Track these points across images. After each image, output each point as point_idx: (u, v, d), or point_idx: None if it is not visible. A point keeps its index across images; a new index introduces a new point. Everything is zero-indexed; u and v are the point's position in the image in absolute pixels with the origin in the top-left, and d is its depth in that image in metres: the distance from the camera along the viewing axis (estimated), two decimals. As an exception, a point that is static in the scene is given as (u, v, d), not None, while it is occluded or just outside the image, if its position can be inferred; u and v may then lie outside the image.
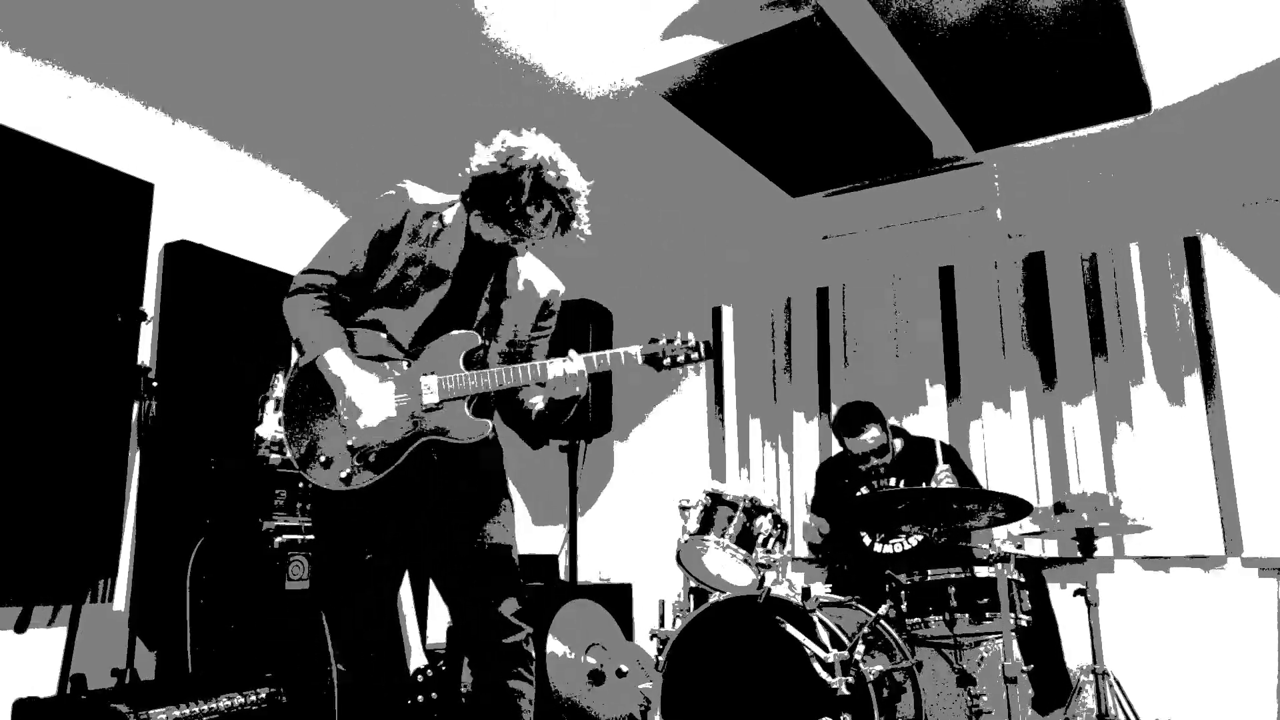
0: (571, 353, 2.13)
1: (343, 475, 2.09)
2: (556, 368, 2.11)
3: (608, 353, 2.16)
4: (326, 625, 2.28)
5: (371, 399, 2.10)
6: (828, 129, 4.01)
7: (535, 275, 2.37)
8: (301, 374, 2.18)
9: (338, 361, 2.11)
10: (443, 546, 2.19)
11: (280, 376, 3.34)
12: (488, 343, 2.26)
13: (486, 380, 2.13)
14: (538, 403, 2.30)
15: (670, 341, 2.18)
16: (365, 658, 2.20)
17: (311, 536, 3.11)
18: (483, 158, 2.10)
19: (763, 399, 5.24)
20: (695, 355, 2.19)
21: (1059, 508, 3.30)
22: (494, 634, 2.16)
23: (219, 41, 3.56)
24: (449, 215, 2.21)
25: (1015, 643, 2.75)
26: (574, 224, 2.15)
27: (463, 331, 2.19)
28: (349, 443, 2.09)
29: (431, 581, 2.32)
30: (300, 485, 3.17)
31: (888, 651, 2.97)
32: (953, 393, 4.73)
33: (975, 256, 4.77)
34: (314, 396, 2.15)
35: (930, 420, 4.70)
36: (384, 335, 2.18)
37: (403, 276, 2.17)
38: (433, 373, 2.14)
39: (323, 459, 2.11)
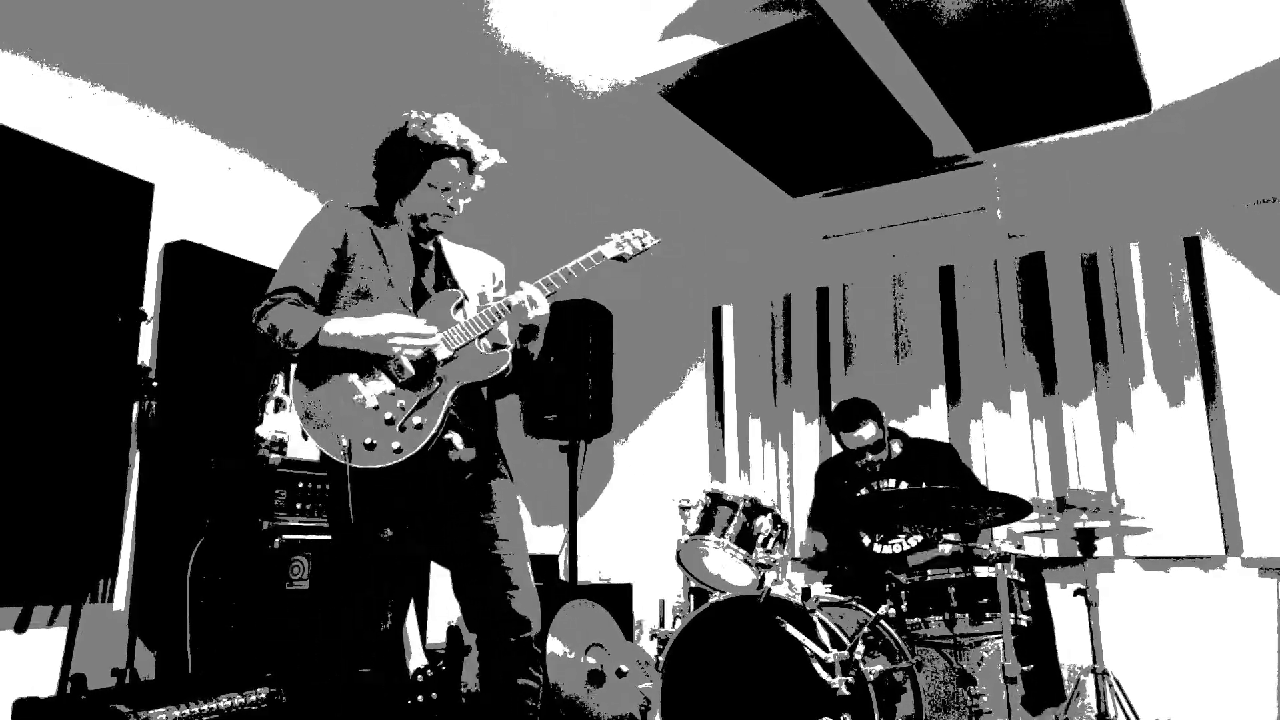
0: (522, 283, 2.27)
1: (395, 447, 2.08)
2: (515, 296, 2.23)
3: (558, 270, 2.28)
4: (333, 622, 2.27)
5: (390, 320, 2.14)
6: (827, 129, 4.01)
7: (473, 259, 2.50)
8: (303, 372, 2.16)
9: (338, 322, 2.13)
10: (462, 534, 2.22)
11: (280, 376, 3.34)
12: (470, 299, 2.36)
13: (479, 323, 2.22)
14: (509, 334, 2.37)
15: (624, 235, 2.39)
16: (368, 656, 2.24)
17: (313, 537, 3.11)
18: (380, 145, 2.33)
19: (762, 399, 5.24)
20: (646, 241, 2.42)
21: (1060, 503, 3.30)
22: (504, 630, 2.19)
23: (219, 41, 3.56)
24: (388, 221, 2.35)
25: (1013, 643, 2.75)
26: (476, 160, 2.31)
27: (447, 290, 2.31)
28: (403, 358, 2.12)
29: (450, 573, 2.32)
30: (300, 485, 3.17)
31: (888, 651, 2.97)
32: (953, 394, 4.73)
33: (975, 256, 4.77)
34: (327, 395, 2.14)
35: (931, 422, 4.70)
36: (374, 305, 2.22)
37: (365, 276, 2.25)
38: (435, 330, 2.19)
39: (366, 442, 2.09)
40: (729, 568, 3.25)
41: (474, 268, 2.47)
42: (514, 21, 3.43)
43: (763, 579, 3.03)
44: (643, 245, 2.41)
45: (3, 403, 2.85)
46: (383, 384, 2.15)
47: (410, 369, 2.15)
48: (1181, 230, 4.31)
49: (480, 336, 2.23)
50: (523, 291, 2.25)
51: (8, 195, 2.94)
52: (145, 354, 3.36)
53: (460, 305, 2.29)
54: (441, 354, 2.18)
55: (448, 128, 2.28)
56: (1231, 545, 3.98)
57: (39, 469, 2.92)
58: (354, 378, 2.15)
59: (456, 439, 2.20)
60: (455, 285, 2.36)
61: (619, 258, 2.38)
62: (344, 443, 2.07)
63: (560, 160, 4.48)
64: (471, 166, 2.33)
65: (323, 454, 2.14)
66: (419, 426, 2.11)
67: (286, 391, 3.34)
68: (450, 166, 2.28)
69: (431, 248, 2.40)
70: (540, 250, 2.37)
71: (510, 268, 2.57)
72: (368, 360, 2.15)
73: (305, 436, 2.15)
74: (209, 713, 2.53)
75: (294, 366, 2.18)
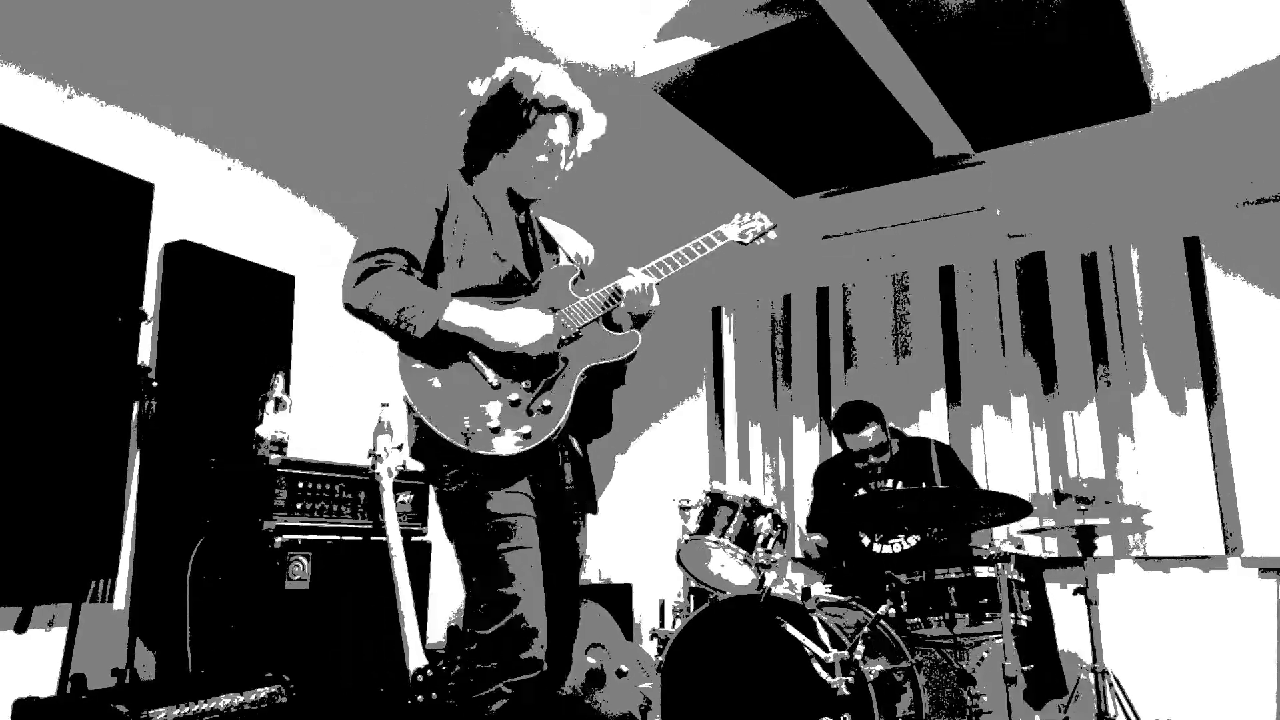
0: (630, 268, 2.10)
1: (524, 431, 1.88)
2: (628, 282, 2.07)
3: (671, 254, 2.14)
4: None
5: (520, 321, 1.94)
6: (827, 129, 4.00)
7: (567, 235, 2.32)
8: (418, 349, 1.92)
9: (463, 311, 1.92)
10: (558, 549, 2.00)
11: (280, 376, 3.33)
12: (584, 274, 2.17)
13: (596, 303, 2.05)
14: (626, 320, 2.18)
15: (743, 217, 2.30)
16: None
17: (313, 537, 3.11)
18: (476, 101, 2.10)
19: (762, 399, 5.24)
20: (766, 224, 2.33)
21: (1058, 496, 3.31)
22: (560, 676, 2.04)
23: (219, 41, 3.56)
24: (478, 180, 2.14)
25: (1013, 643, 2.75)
26: (582, 122, 2.13)
27: (563, 265, 2.13)
28: (497, 383, 1.89)
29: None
30: (300, 485, 3.16)
31: (888, 651, 2.97)
32: (953, 395, 4.73)
33: (975, 256, 4.77)
34: (442, 373, 1.92)
35: (931, 426, 4.70)
36: (484, 298, 1.99)
37: (470, 241, 2.03)
38: (554, 308, 2.03)
39: (491, 425, 1.86)
40: (729, 568, 3.25)
41: (570, 245, 2.28)
42: (513, 22, 3.43)
43: (763, 579, 3.03)
44: (762, 228, 2.31)
45: (3, 403, 2.85)
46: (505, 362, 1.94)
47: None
48: (1181, 230, 4.31)
49: (601, 317, 2.06)
50: (635, 278, 2.07)
51: (8, 195, 2.93)
52: (145, 354, 3.36)
53: (578, 280, 2.11)
54: (566, 333, 2.00)
55: (560, 83, 2.08)
56: (1231, 545, 3.99)
57: (39, 469, 2.91)
58: (475, 356, 1.93)
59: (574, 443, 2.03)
60: (565, 258, 2.17)
61: (740, 241, 2.26)
62: (466, 425, 1.85)
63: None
64: (576, 129, 2.13)
65: (423, 439, 1.91)
66: (547, 410, 1.92)
67: (286, 391, 3.34)
68: (558, 124, 2.08)
69: (524, 219, 2.18)
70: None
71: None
72: None
73: (411, 414, 1.92)
74: (209, 713, 2.53)
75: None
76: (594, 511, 2.17)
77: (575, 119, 2.12)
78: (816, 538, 3.95)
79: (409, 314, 1.88)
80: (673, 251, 2.14)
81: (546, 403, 1.93)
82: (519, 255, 2.07)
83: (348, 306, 1.94)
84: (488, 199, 2.10)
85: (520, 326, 1.93)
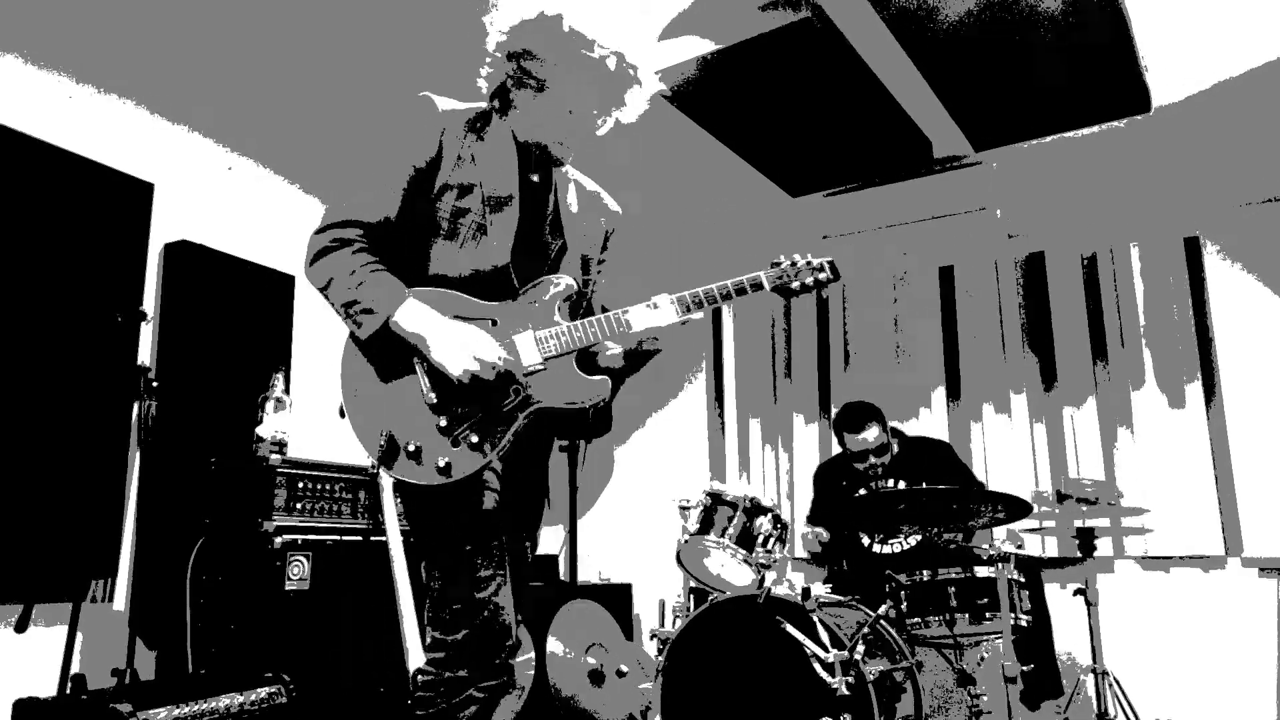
0: (658, 299, 1.81)
1: (440, 464, 1.68)
2: (640, 320, 1.80)
3: (713, 287, 1.84)
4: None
5: (465, 342, 1.69)
6: (828, 129, 4.01)
7: (592, 195, 2.02)
8: (364, 347, 1.74)
9: (415, 314, 1.70)
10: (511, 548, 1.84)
11: (280, 376, 3.33)
12: (587, 289, 1.94)
13: (587, 332, 1.79)
14: (614, 349, 1.92)
15: (794, 264, 1.88)
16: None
17: (313, 536, 3.11)
18: (507, 21, 1.80)
19: (763, 399, 5.24)
20: (824, 275, 1.88)
21: (1059, 496, 3.30)
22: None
23: (219, 41, 3.56)
24: (490, 127, 1.86)
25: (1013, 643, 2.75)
26: (630, 82, 1.81)
27: (559, 277, 1.84)
28: (434, 400, 1.70)
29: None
30: (300, 485, 3.17)
31: (888, 651, 2.97)
32: (953, 394, 4.73)
33: (975, 256, 4.77)
34: (383, 372, 1.74)
35: (931, 423, 4.70)
36: (453, 292, 1.77)
37: (458, 213, 1.79)
38: (528, 328, 1.79)
39: (410, 447, 1.68)
40: (729, 568, 3.25)
41: (588, 217, 1.98)
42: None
43: (763, 579, 3.03)
44: (814, 280, 1.88)
45: (3, 403, 2.85)
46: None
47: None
48: (1181, 230, 4.31)
49: (579, 350, 1.80)
50: (649, 316, 1.80)
51: (8, 195, 2.93)
52: (145, 354, 3.36)
53: (570, 298, 1.86)
54: (529, 361, 1.77)
55: (610, 38, 1.80)
56: (1231, 545, 3.98)
57: (39, 469, 2.92)
58: (420, 366, 1.73)
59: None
60: (563, 253, 1.90)
61: (780, 290, 1.88)
62: (382, 439, 1.69)
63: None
64: (621, 90, 1.82)
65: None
66: (475, 445, 1.71)
67: (287, 391, 3.34)
68: (595, 85, 1.79)
69: (540, 181, 1.90)
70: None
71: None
72: None
73: (342, 414, 1.76)
74: (209, 713, 2.53)
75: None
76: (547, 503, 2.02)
77: (621, 80, 1.82)
78: (818, 530, 3.95)
79: (356, 311, 1.70)
80: (704, 287, 1.86)
81: (475, 439, 1.71)
82: (509, 237, 1.80)
83: (310, 280, 1.76)
84: (494, 156, 1.83)
85: (461, 349, 1.68)
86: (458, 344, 1.69)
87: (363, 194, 1.78)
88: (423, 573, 1.76)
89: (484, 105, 1.90)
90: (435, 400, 1.71)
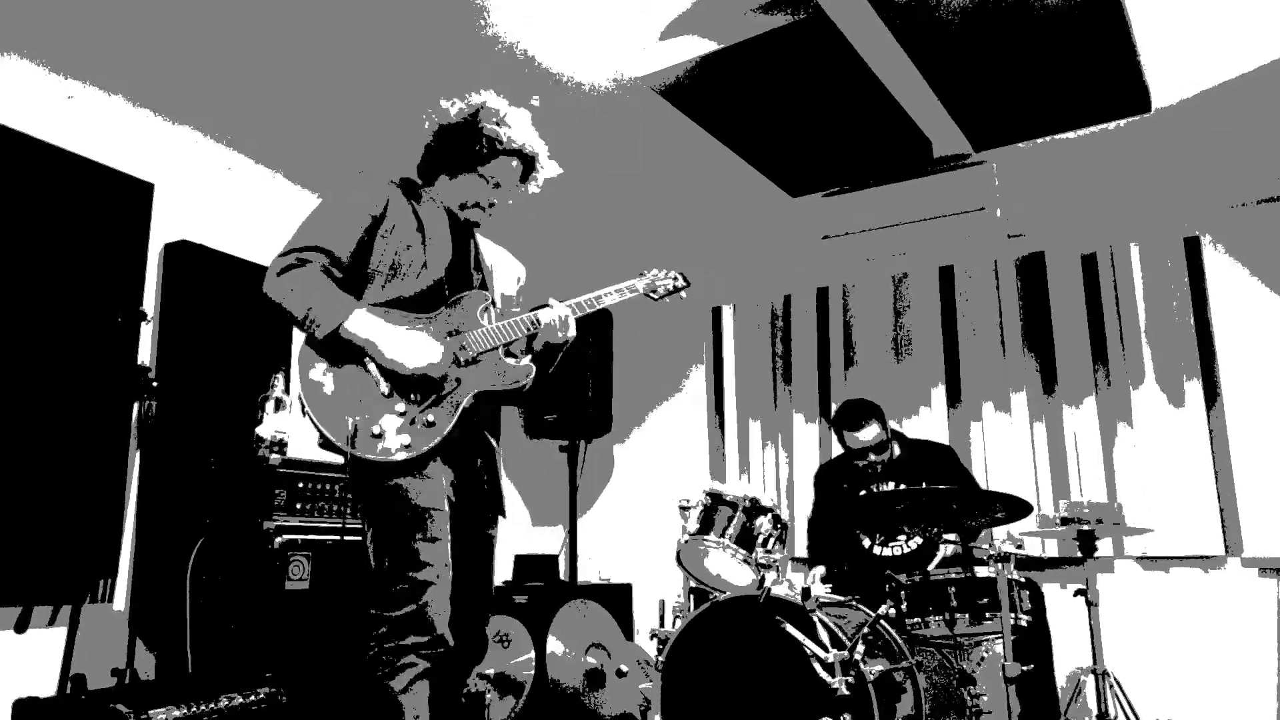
0: (551, 300, 2.27)
1: (405, 441, 2.02)
2: (547, 314, 2.23)
3: (591, 295, 2.33)
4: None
5: (412, 344, 2.07)
6: (827, 129, 4.00)
7: (501, 256, 2.47)
8: (321, 349, 2.07)
9: (364, 321, 2.05)
10: (461, 533, 2.12)
11: (280, 376, 3.33)
12: (495, 303, 2.31)
13: (506, 331, 2.19)
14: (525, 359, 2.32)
15: (657, 273, 2.46)
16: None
17: (313, 536, 3.11)
18: (442, 116, 2.26)
19: (762, 399, 5.24)
20: (678, 284, 2.49)
21: (1064, 521, 3.30)
22: (474, 656, 2.19)
23: (219, 42, 3.56)
24: (422, 191, 2.30)
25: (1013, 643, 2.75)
26: (536, 167, 2.30)
27: (477, 290, 2.26)
28: (386, 390, 2.05)
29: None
30: (300, 485, 3.17)
31: (888, 651, 2.97)
32: (953, 395, 4.73)
33: (975, 256, 4.78)
34: (342, 370, 2.07)
35: (931, 423, 4.70)
36: (397, 311, 2.13)
37: (403, 250, 2.17)
38: (458, 331, 2.16)
39: (374, 431, 2.01)
40: (729, 568, 3.25)
41: (502, 267, 2.44)
42: (512, 16, 3.43)
43: (763, 579, 3.02)
44: (673, 286, 2.48)
45: (3, 403, 2.85)
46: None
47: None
48: (1181, 230, 4.31)
49: (504, 345, 2.21)
50: (554, 310, 2.24)
51: (8, 195, 2.94)
52: (145, 354, 3.36)
53: (487, 309, 2.25)
54: (464, 356, 2.15)
55: (520, 129, 2.27)
56: (1231, 545, 3.98)
57: (39, 469, 2.92)
58: (371, 365, 2.08)
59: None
60: (484, 284, 2.32)
61: (650, 294, 2.45)
62: (350, 426, 1.99)
63: (557, 160, 4.48)
64: (528, 173, 2.32)
65: (322, 439, 2.03)
66: (431, 424, 2.06)
67: (286, 391, 3.34)
68: (510, 166, 2.27)
69: (460, 236, 2.33)
70: (533, 253, 2.38)
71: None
72: None
73: (304, 412, 2.04)
74: (209, 713, 2.53)
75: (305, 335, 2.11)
76: (502, 515, 2.30)
77: (531, 164, 2.30)
78: (818, 572, 3.87)
79: (314, 314, 2.02)
80: (590, 294, 2.33)
81: (430, 418, 2.06)
82: (443, 270, 2.20)
83: (265, 295, 2.07)
84: (429, 213, 2.25)
85: (410, 348, 2.06)
86: (407, 345, 2.06)
87: (325, 226, 2.15)
88: (371, 557, 2.03)
89: (414, 176, 2.34)
90: (387, 391, 2.06)
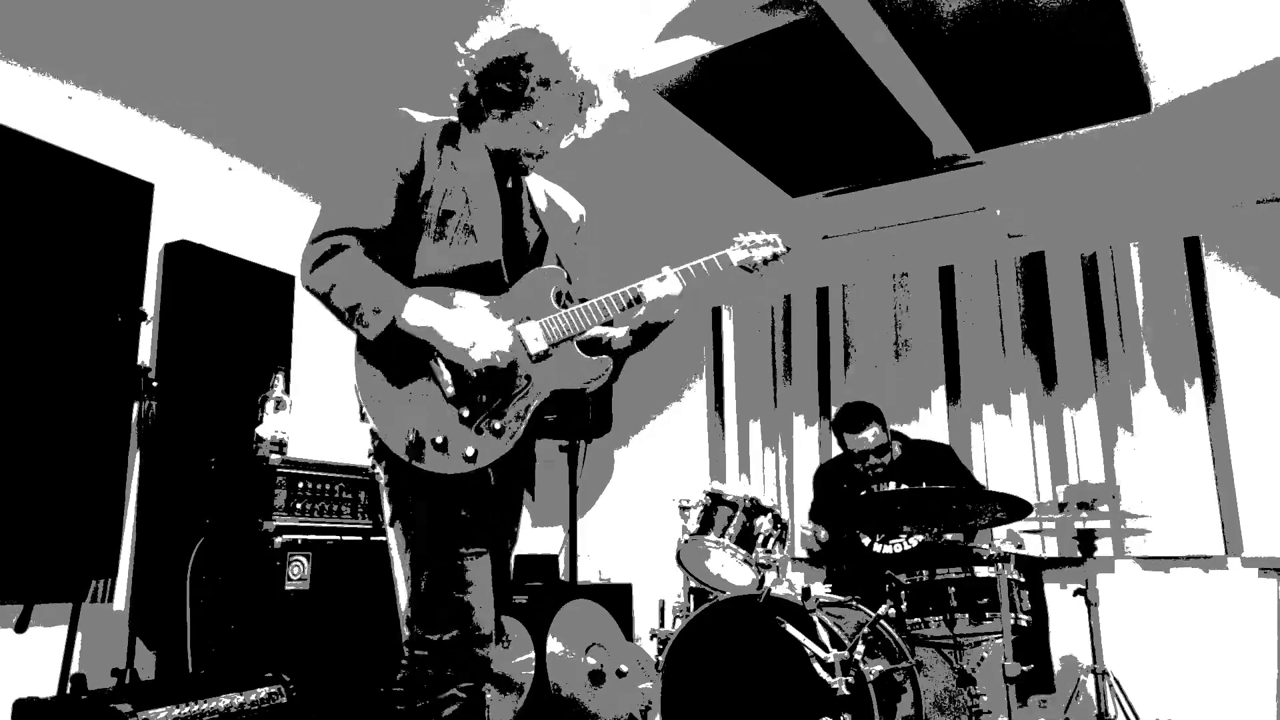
0: (665, 269, 1.93)
1: (468, 453, 1.76)
2: (653, 288, 1.91)
3: (701, 261, 1.99)
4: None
5: (475, 328, 1.77)
6: (827, 129, 4.01)
7: (557, 194, 2.13)
8: (373, 350, 1.79)
9: (422, 310, 1.75)
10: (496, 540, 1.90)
11: (280, 376, 3.33)
12: (572, 276, 2.01)
13: (591, 314, 1.89)
14: (618, 334, 2.03)
15: (754, 237, 2.09)
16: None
17: (313, 537, 3.11)
18: (480, 44, 1.92)
19: (762, 399, 5.24)
20: (777, 249, 2.08)
21: (1061, 507, 3.31)
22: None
23: (219, 42, 3.56)
24: (462, 138, 1.95)
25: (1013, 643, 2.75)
26: (592, 101, 1.92)
27: (548, 268, 1.95)
28: (453, 393, 1.76)
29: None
30: (300, 485, 3.16)
31: (888, 651, 2.97)
32: (953, 394, 4.73)
33: (975, 256, 4.77)
34: (399, 370, 1.79)
35: (931, 423, 4.70)
36: (452, 292, 1.83)
37: (445, 215, 1.85)
38: (528, 318, 1.87)
39: (436, 439, 1.75)
40: (729, 568, 3.25)
41: (560, 214, 2.08)
42: (512, 16, 3.43)
43: (763, 579, 3.03)
44: (771, 254, 2.08)
45: (3, 402, 2.85)
46: (461, 371, 1.79)
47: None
48: (1181, 230, 4.31)
49: (583, 332, 1.90)
50: (663, 283, 1.92)
51: (8, 195, 2.94)
52: (145, 354, 3.36)
53: (562, 288, 1.95)
54: (536, 348, 1.85)
55: (574, 60, 1.90)
56: (1231, 545, 3.98)
57: (39, 469, 2.92)
58: (437, 361, 1.79)
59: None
60: (542, 240, 1.98)
61: (745, 267, 2.06)
62: (412, 435, 1.74)
63: (557, 160, 4.48)
64: (582, 108, 1.93)
65: (379, 446, 1.80)
66: (498, 432, 1.80)
67: (286, 391, 3.34)
68: (562, 104, 1.89)
69: (513, 185, 2.00)
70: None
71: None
72: None
73: (363, 417, 1.79)
74: (209, 713, 2.53)
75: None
76: (516, 524, 2.07)
77: (583, 99, 1.93)
78: (817, 526, 3.94)
79: (363, 311, 1.74)
80: (699, 260, 1.99)
81: (498, 425, 1.80)
82: (497, 235, 1.88)
83: (308, 289, 1.81)
84: (471, 163, 1.91)
85: (473, 334, 1.77)
86: (468, 336, 1.76)
87: (355, 201, 1.83)
88: (405, 568, 1.81)
89: (454, 119, 1.98)
90: (454, 393, 1.78)
